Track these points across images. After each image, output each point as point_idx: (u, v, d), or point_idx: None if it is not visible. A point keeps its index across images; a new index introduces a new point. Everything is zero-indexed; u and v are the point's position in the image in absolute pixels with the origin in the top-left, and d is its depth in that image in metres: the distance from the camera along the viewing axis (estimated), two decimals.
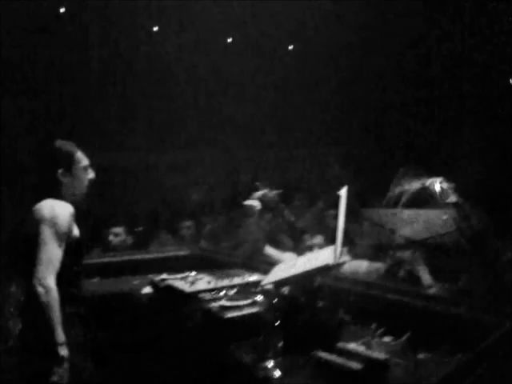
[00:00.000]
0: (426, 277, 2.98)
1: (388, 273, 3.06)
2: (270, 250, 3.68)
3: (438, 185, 2.43)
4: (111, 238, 4.72)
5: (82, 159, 2.59)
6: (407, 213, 2.61)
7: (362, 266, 3.26)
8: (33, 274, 2.28)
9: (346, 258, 2.45)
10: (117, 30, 6.86)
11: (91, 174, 2.61)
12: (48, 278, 2.27)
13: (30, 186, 2.60)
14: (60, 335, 2.25)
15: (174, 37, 7.23)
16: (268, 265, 2.96)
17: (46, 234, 2.33)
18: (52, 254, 2.32)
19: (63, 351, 2.24)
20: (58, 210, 2.39)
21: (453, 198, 2.40)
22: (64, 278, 2.34)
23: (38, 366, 2.27)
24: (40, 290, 2.25)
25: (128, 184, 7.10)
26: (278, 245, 3.97)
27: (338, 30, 7.16)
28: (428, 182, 2.47)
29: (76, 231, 2.48)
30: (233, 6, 6.74)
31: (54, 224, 2.35)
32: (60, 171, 2.50)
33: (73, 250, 2.43)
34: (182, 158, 7.84)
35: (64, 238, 2.37)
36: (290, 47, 8.18)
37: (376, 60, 7.41)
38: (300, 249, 3.64)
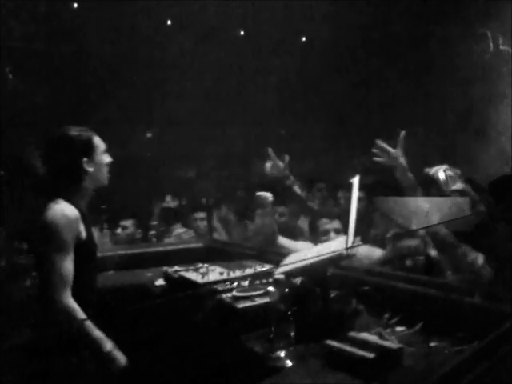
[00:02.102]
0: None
1: (393, 262, 3.03)
2: (283, 241, 3.67)
3: (442, 172, 2.39)
4: (119, 230, 4.73)
5: (100, 144, 2.41)
6: (413, 201, 2.57)
7: (375, 252, 3.24)
8: (47, 294, 2.14)
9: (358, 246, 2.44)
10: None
11: (108, 158, 2.44)
12: (64, 298, 2.13)
13: (40, 185, 2.44)
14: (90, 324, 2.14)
15: (184, 30, 7.22)
16: (281, 256, 2.95)
17: (53, 251, 2.16)
18: (63, 272, 2.15)
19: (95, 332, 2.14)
20: (62, 222, 2.19)
21: (459, 185, 2.35)
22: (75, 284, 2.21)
23: (46, 364, 2.18)
24: (61, 313, 2.12)
25: (138, 177, 7.11)
26: (293, 231, 3.92)
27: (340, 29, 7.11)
28: (432, 170, 2.43)
29: (83, 233, 2.29)
30: (232, 5, 6.73)
31: (59, 238, 2.17)
32: (85, 160, 2.32)
33: (80, 252, 2.27)
34: (193, 149, 7.84)
35: (71, 247, 2.21)
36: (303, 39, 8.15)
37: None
38: (316, 233, 3.60)
